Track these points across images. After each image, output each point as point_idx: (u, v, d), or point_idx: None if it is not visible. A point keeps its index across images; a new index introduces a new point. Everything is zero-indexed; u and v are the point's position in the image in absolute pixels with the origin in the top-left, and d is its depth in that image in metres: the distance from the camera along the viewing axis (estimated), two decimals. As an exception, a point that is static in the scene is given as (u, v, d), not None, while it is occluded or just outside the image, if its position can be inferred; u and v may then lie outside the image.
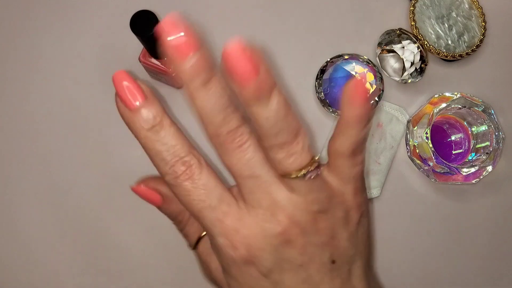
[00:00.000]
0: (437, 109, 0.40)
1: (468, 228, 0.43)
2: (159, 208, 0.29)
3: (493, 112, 0.41)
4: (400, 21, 0.44)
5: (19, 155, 0.42)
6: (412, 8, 0.43)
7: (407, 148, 0.43)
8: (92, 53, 0.43)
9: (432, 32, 0.43)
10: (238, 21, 0.44)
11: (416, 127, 0.41)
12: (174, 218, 0.29)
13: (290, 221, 0.24)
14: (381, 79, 0.42)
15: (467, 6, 0.44)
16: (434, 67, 0.44)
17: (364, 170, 0.28)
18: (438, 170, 0.41)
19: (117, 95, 0.23)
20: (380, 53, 0.43)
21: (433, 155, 0.39)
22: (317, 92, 0.42)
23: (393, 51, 0.43)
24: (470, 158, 0.42)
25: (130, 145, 0.42)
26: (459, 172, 0.40)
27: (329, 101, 0.42)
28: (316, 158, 0.25)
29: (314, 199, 0.25)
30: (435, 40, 0.43)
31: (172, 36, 0.21)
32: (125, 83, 0.23)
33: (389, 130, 0.43)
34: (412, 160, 0.43)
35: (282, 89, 0.23)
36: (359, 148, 0.26)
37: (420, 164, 0.42)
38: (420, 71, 0.42)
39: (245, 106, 0.22)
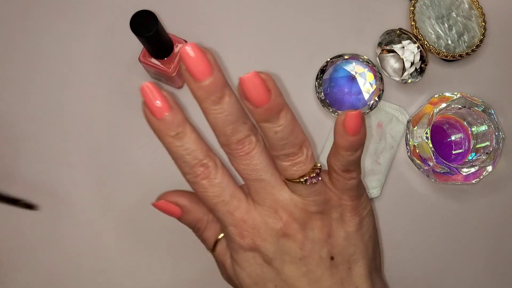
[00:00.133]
0: (437, 109, 0.40)
1: (468, 228, 0.43)
2: (179, 219, 0.32)
3: (493, 112, 0.41)
4: (400, 21, 0.44)
5: (19, 155, 0.42)
6: (412, 8, 0.43)
7: (407, 148, 0.43)
8: (92, 53, 0.43)
9: (432, 32, 0.43)
10: (238, 21, 0.44)
11: (416, 127, 0.41)
12: (193, 227, 0.32)
13: (290, 218, 0.28)
14: (381, 79, 0.42)
15: (467, 6, 0.44)
16: (434, 67, 0.44)
17: (362, 175, 0.30)
18: (438, 170, 0.41)
19: (145, 104, 0.26)
20: (380, 53, 0.43)
21: (433, 155, 0.39)
22: (317, 92, 0.42)
23: (393, 51, 0.43)
24: (470, 158, 0.42)
25: (130, 145, 0.42)
26: (459, 172, 0.40)
27: (329, 101, 0.42)
28: (318, 165, 0.28)
29: (312, 201, 0.28)
30: (435, 40, 0.43)
31: (192, 61, 0.25)
32: (152, 93, 0.26)
33: (389, 130, 0.43)
34: (412, 160, 0.43)
35: (290, 108, 0.26)
36: (352, 166, 0.28)
37: (420, 164, 0.42)
38: (420, 71, 0.42)
39: (256, 122, 0.26)
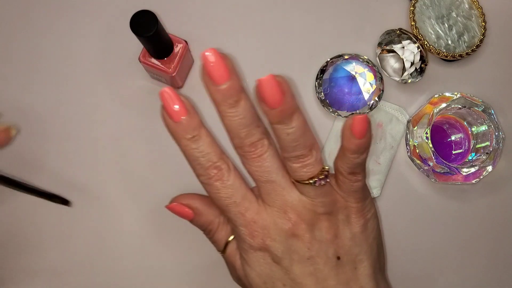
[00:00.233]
0: (437, 109, 0.40)
1: (468, 228, 0.43)
2: (191, 221, 0.33)
3: (493, 112, 0.41)
4: (400, 21, 0.44)
5: (17, 156, 0.42)
6: (412, 8, 0.43)
7: (407, 148, 0.43)
8: (92, 53, 0.43)
9: (432, 32, 0.43)
10: (238, 21, 0.44)
11: (416, 127, 0.41)
12: (205, 229, 0.33)
13: (298, 218, 0.29)
14: (381, 79, 0.42)
15: (467, 6, 0.44)
16: (434, 67, 0.44)
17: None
18: (438, 170, 0.41)
19: (164, 108, 0.28)
20: (380, 53, 0.43)
21: (433, 155, 0.39)
22: (317, 92, 0.42)
23: (393, 51, 0.43)
24: (470, 158, 0.42)
25: (130, 145, 0.42)
26: (459, 172, 0.40)
27: (329, 101, 0.42)
28: (326, 168, 0.29)
29: (320, 202, 0.29)
30: (435, 40, 0.43)
31: (211, 65, 0.26)
32: (171, 98, 0.27)
33: (389, 130, 0.43)
34: (412, 160, 0.43)
35: (301, 111, 0.28)
36: (358, 169, 0.30)
37: (420, 164, 0.42)
38: (420, 71, 0.42)
39: (270, 124, 0.28)
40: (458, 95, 0.41)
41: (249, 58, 0.44)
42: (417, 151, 0.42)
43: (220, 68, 0.26)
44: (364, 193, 0.31)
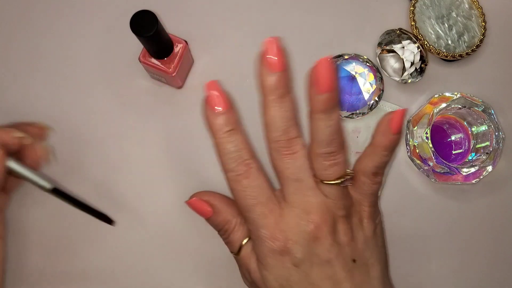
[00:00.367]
0: (437, 109, 0.40)
1: (468, 228, 0.43)
2: (208, 219, 0.32)
3: (493, 112, 0.41)
4: (400, 21, 0.44)
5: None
6: (412, 8, 0.43)
7: (407, 148, 0.43)
8: (92, 53, 0.43)
9: (432, 32, 0.43)
10: (238, 21, 0.44)
11: (416, 127, 0.41)
12: (221, 228, 0.32)
13: (321, 221, 0.29)
14: (381, 79, 0.42)
15: (467, 6, 0.44)
16: (434, 67, 0.44)
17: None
18: (438, 170, 0.41)
19: (206, 99, 0.28)
20: (380, 53, 0.43)
21: (433, 155, 0.39)
22: (317, 92, 0.42)
23: (393, 51, 0.43)
24: (470, 158, 0.42)
25: (130, 145, 0.42)
26: (459, 172, 0.40)
27: (329, 101, 0.42)
28: (349, 171, 0.30)
29: (341, 204, 0.30)
30: (435, 40, 0.43)
31: (270, 55, 0.27)
32: (214, 92, 0.28)
33: (389, 130, 0.43)
34: (412, 160, 0.43)
35: None
36: (380, 170, 0.30)
37: (420, 164, 0.42)
38: (420, 71, 0.42)
39: (313, 114, 0.28)
40: (458, 95, 0.41)
41: (249, 58, 0.43)
42: (417, 151, 0.42)
43: (276, 59, 0.27)
44: (376, 198, 0.32)
